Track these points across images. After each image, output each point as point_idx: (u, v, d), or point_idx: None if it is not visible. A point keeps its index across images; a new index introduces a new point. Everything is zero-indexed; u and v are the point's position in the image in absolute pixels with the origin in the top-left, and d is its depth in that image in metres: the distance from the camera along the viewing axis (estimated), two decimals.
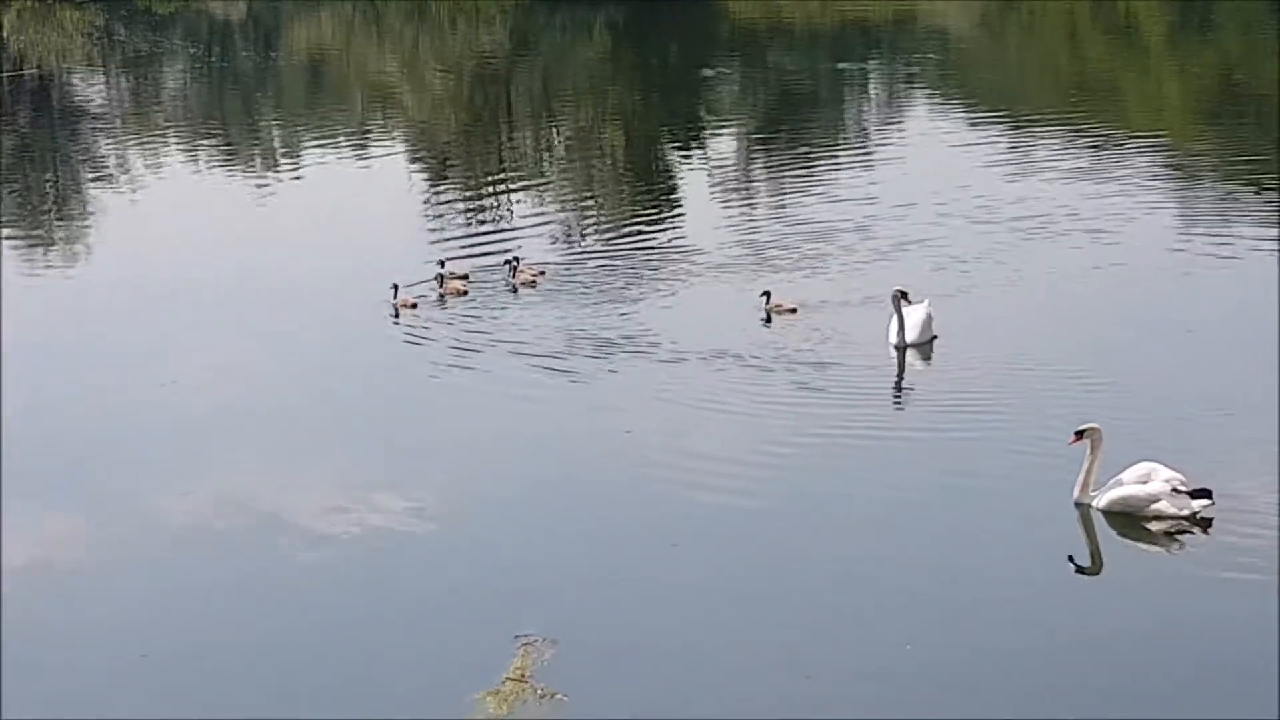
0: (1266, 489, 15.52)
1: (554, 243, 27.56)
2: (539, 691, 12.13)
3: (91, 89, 55.77)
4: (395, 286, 23.10)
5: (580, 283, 24.34)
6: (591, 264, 25.59)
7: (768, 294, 22.46)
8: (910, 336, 20.71)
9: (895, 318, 20.77)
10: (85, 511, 16.20)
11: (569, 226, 29.30)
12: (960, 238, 26.34)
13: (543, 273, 24.26)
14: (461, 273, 24.11)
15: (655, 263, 25.53)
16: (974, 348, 20.58)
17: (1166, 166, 33.09)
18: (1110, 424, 15.89)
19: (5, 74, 56.96)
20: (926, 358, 20.62)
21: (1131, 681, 12.38)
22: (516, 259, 24.36)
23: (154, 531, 15.68)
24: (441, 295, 23.44)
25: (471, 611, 13.75)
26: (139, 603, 14.25)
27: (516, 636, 12.91)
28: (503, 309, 22.90)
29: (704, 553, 14.72)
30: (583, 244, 27.55)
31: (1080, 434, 15.51)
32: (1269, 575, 13.91)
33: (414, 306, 22.87)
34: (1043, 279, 23.93)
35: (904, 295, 20.91)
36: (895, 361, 20.45)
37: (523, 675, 12.29)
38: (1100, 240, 26.11)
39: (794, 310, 22.23)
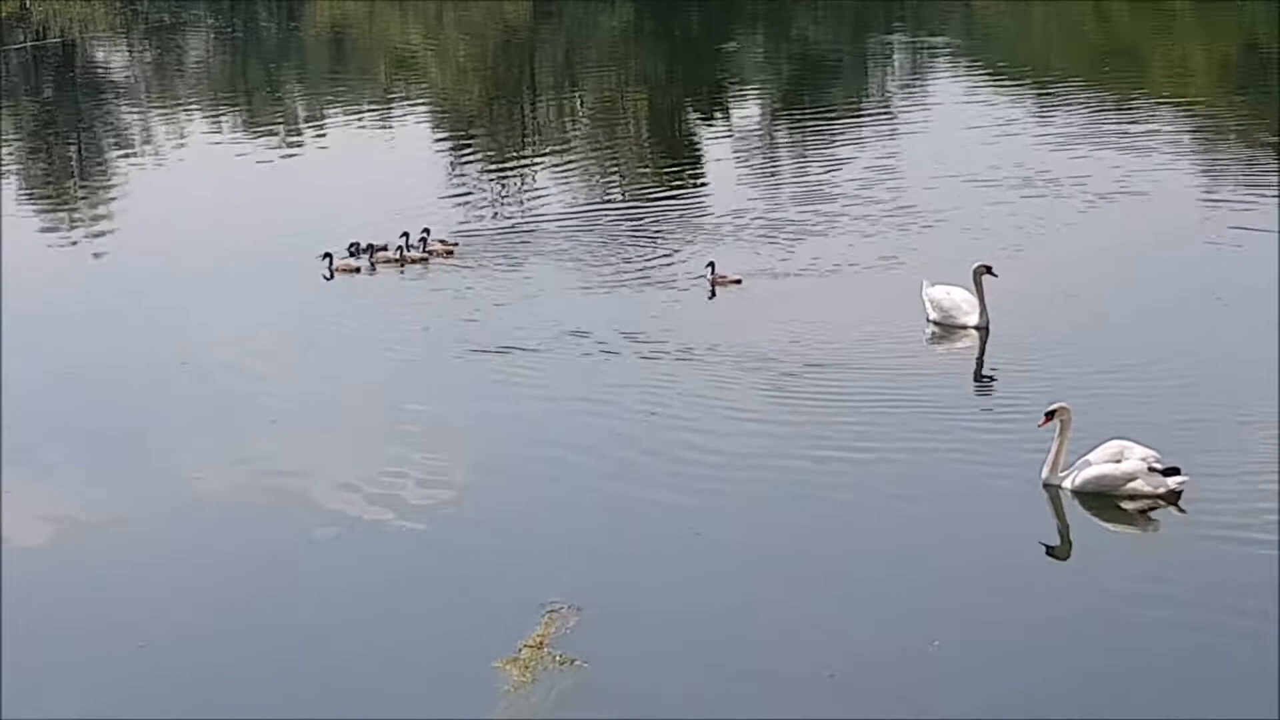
0: (1239, 463, 15.35)
1: (574, 210, 27.50)
2: (558, 659, 12.15)
3: (114, 59, 55.81)
4: (329, 255, 23.51)
5: (599, 253, 24.31)
6: (611, 234, 25.53)
7: (712, 265, 22.28)
8: (987, 317, 19.89)
9: (970, 295, 19.95)
10: (100, 488, 16.23)
11: (590, 194, 29.25)
12: (983, 207, 26.22)
13: (455, 245, 24.34)
14: (380, 244, 24.12)
15: (676, 233, 25.45)
16: (996, 322, 20.21)
17: (1192, 133, 32.93)
18: (1090, 400, 15.81)
19: (29, 43, 57.01)
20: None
21: (1120, 663, 12.24)
22: (427, 230, 24.32)
23: (178, 504, 15.71)
24: (373, 264, 23.77)
25: (499, 581, 13.76)
26: (163, 572, 14.31)
27: (542, 605, 12.93)
28: (510, 280, 22.91)
29: (728, 530, 14.65)
30: (600, 213, 27.42)
31: (1050, 414, 15.15)
32: (1245, 550, 13.72)
33: (357, 271, 23.58)
34: (1066, 246, 23.84)
35: (988, 270, 19.99)
36: (976, 344, 19.82)
37: (541, 643, 12.32)
38: (1125, 207, 26.01)
39: (738, 281, 22.06)
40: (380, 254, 23.92)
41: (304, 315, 21.80)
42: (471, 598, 13.53)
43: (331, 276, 23.39)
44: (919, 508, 14.95)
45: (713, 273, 22.15)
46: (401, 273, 23.67)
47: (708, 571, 13.82)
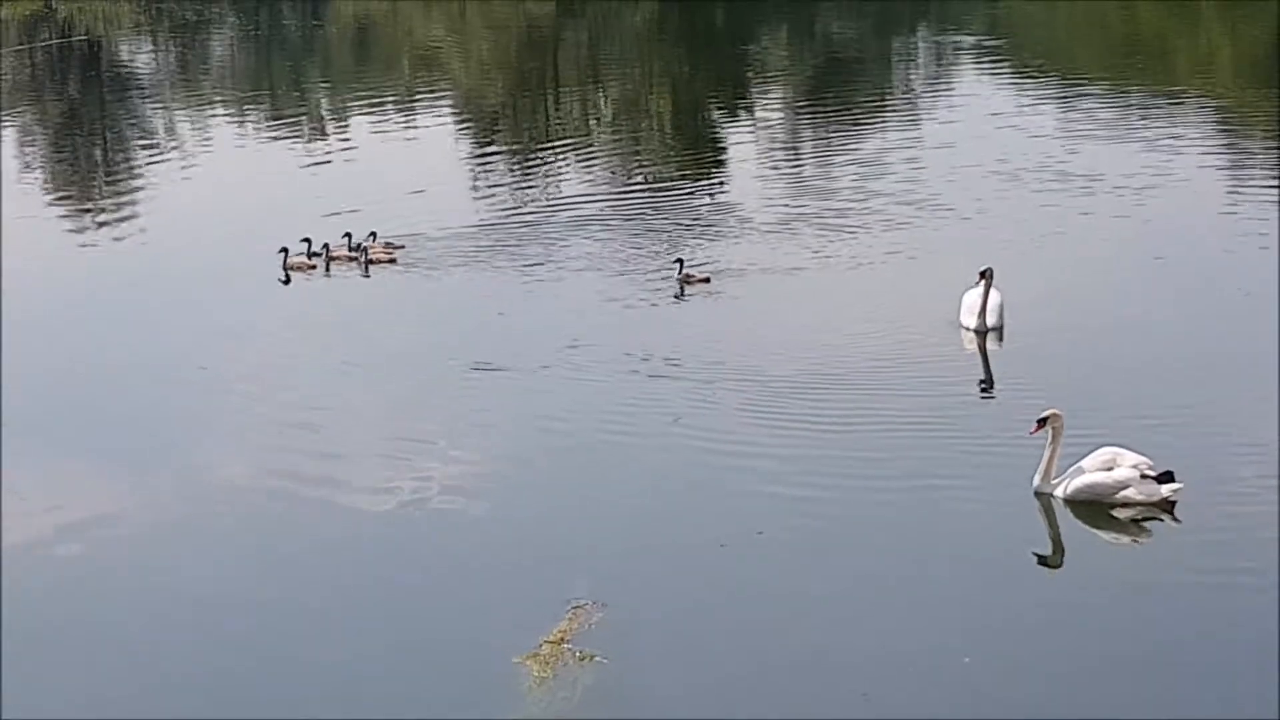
0: (1236, 469, 15.20)
1: (588, 207, 27.47)
2: (578, 654, 12.14)
3: (139, 56, 56.01)
4: (285, 250, 23.45)
5: (620, 250, 24.28)
6: (626, 230, 25.48)
7: (680, 261, 22.06)
8: (991, 320, 19.63)
9: (979, 298, 19.62)
10: (106, 485, 16.24)
11: (608, 190, 29.23)
12: (1008, 203, 26.16)
13: (400, 249, 24.07)
14: (314, 248, 24.02)
15: (693, 229, 25.38)
16: (1013, 323, 20.00)
17: (1216, 127, 32.81)
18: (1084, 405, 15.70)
19: (54, 41, 57.23)
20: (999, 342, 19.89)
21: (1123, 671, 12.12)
22: (373, 234, 24.11)
23: (203, 500, 15.74)
24: (328, 261, 23.69)
25: (523, 578, 13.75)
26: (176, 570, 14.30)
27: (566, 602, 12.93)
28: (515, 279, 22.82)
29: (749, 537, 14.50)
30: (618, 209, 27.35)
31: (1042, 422, 14.85)
32: (1240, 558, 13.58)
33: (313, 268, 23.59)
34: (1087, 243, 23.75)
35: (982, 275, 19.74)
36: (975, 347, 19.57)
37: (561, 639, 12.32)
38: (1150, 202, 25.93)
39: (707, 280, 21.80)
40: (335, 252, 23.82)
41: (301, 316, 21.85)
42: (494, 594, 13.53)
43: (288, 280, 23.30)
44: (917, 518, 14.70)
45: (681, 270, 21.91)
46: (366, 275, 23.49)
47: (730, 578, 13.76)
